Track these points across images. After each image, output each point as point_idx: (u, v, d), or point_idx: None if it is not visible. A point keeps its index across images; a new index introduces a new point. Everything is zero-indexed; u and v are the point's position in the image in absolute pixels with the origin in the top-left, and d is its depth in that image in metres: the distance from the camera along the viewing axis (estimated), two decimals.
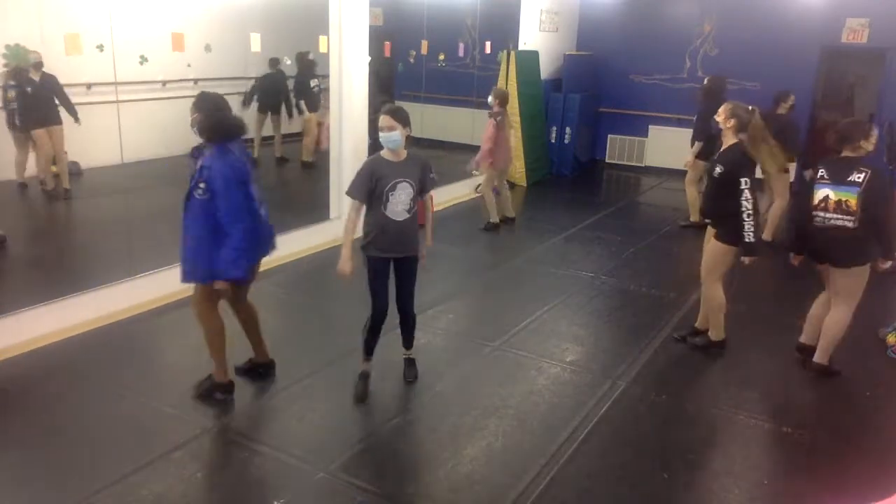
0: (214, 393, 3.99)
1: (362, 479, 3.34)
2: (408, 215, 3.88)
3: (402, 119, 3.77)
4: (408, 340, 4.36)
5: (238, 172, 3.65)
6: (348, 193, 3.87)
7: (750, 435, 3.89)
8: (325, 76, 7.40)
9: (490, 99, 7.59)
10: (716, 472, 3.54)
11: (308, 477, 3.34)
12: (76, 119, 7.20)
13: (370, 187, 3.78)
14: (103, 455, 3.44)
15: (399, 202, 3.81)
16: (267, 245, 4.01)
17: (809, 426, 4.00)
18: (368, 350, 4.15)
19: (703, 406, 4.19)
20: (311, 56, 9.35)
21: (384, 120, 3.73)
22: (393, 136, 3.74)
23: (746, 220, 4.34)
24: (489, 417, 3.91)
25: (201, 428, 3.70)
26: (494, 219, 7.73)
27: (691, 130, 8.02)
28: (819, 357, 4.50)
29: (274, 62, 9.44)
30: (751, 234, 4.35)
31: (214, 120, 3.65)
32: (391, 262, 3.99)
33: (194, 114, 3.69)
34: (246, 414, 3.95)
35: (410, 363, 4.37)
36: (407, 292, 4.12)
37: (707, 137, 7.64)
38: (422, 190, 3.94)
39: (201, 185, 3.60)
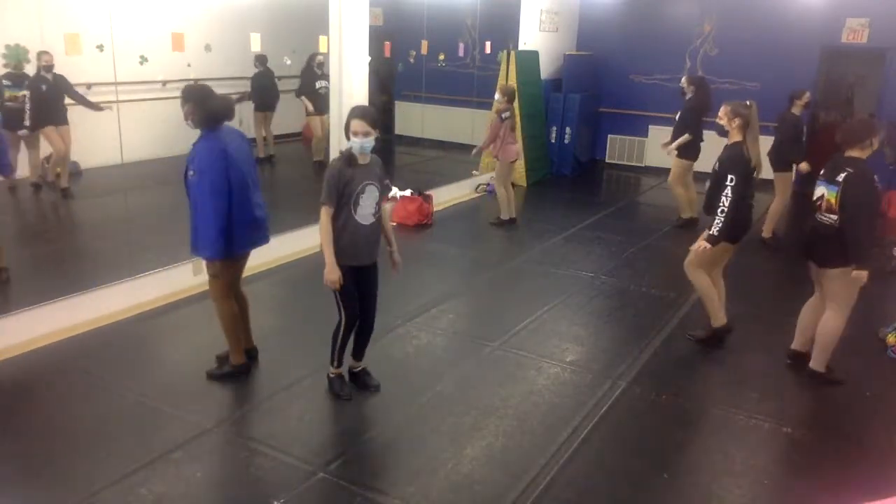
0: (230, 375, 4.18)
1: (362, 479, 3.34)
2: (373, 219, 3.80)
3: (375, 122, 3.70)
4: (362, 351, 4.16)
5: (224, 155, 3.79)
6: (323, 202, 3.67)
7: (750, 435, 3.89)
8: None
9: (497, 95, 7.63)
10: (716, 472, 3.54)
11: (308, 477, 3.34)
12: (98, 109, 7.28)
13: (339, 192, 3.66)
14: (103, 455, 3.44)
15: (367, 205, 3.74)
16: (256, 234, 4.08)
17: (809, 426, 4.00)
18: (342, 358, 4.04)
19: (703, 406, 4.19)
20: (320, 57, 9.28)
21: (359, 125, 3.63)
22: (368, 142, 3.67)
23: (719, 214, 4.47)
24: (489, 417, 3.91)
25: (201, 428, 3.70)
26: (505, 215, 7.73)
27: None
28: (815, 364, 4.43)
29: (262, 59, 9.34)
30: (717, 227, 4.48)
31: (206, 107, 3.80)
32: (356, 271, 3.86)
33: (185, 105, 3.82)
34: (246, 414, 3.95)
35: (367, 373, 4.19)
36: (373, 302, 4.01)
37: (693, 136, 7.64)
38: (383, 191, 3.86)
39: (192, 168, 3.81)
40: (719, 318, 4.87)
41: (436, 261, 6.77)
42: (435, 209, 7.96)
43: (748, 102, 4.64)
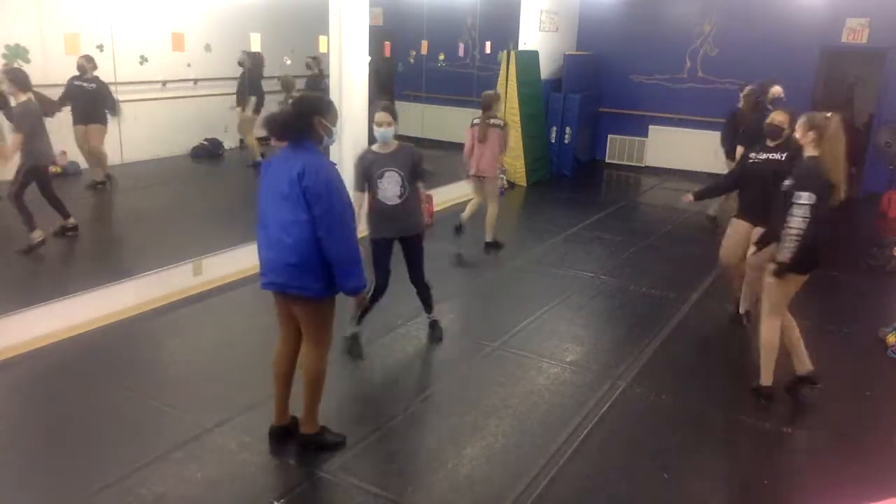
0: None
1: (362, 479, 3.34)
2: (398, 200, 4.34)
3: (395, 116, 4.34)
4: (427, 306, 4.81)
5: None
6: (354, 188, 4.30)
7: (750, 435, 3.89)
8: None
9: None
10: (716, 473, 3.54)
11: (308, 477, 3.34)
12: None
13: (366, 177, 4.35)
14: (103, 455, 3.44)
15: (388, 188, 4.30)
16: None
17: (809, 426, 4.00)
18: (361, 317, 4.50)
19: (703, 406, 4.19)
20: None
21: (382, 116, 4.27)
22: (388, 132, 4.30)
23: (790, 238, 3.81)
24: (489, 417, 3.91)
25: (201, 428, 3.70)
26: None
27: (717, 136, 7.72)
28: None
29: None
30: (787, 253, 3.83)
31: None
32: (392, 243, 4.47)
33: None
34: (245, 414, 3.94)
35: (433, 325, 4.85)
36: (416, 267, 4.61)
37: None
38: (412, 179, 4.39)
39: None
40: (768, 376, 4.17)
41: (436, 260, 6.76)
42: (435, 209, 7.96)
43: (829, 115, 3.88)
